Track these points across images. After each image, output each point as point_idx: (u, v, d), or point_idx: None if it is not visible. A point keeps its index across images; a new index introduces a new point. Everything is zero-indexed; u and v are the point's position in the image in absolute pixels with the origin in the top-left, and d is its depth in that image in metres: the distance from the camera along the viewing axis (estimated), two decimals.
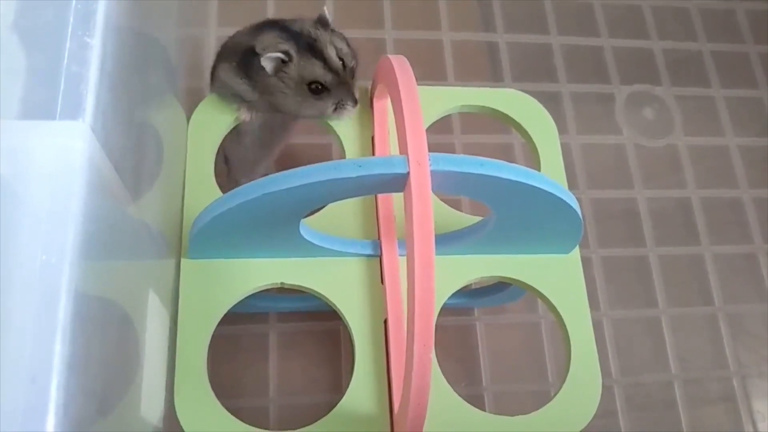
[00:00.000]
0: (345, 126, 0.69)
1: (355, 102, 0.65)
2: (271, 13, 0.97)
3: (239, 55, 0.65)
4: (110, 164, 0.41)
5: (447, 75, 0.97)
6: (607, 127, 0.99)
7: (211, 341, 0.73)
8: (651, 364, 0.88)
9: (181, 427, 0.55)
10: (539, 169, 0.70)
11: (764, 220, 0.97)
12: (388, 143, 0.68)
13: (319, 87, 0.63)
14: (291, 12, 0.95)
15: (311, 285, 0.61)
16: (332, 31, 0.66)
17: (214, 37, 0.93)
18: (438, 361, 0.61)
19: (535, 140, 0.71)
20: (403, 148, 0.50)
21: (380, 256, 0.63)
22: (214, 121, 0.67)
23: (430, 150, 0.50)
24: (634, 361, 0.87)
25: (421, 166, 0.49)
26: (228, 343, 0.78)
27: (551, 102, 0.96)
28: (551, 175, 0.69)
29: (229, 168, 0.77)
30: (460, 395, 0.61)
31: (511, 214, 0.58)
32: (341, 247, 0.62)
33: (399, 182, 0.50)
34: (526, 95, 0.73)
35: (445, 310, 0.82)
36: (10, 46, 0.38)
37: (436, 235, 0.63)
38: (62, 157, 0.36)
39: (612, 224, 0.93)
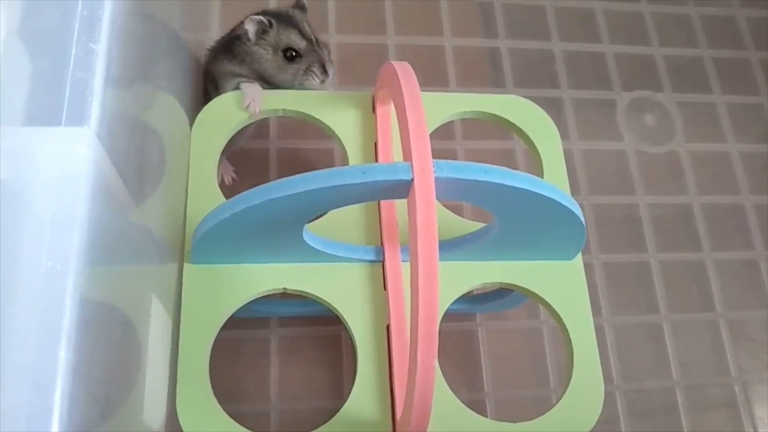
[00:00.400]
0: (348, 131, 0.69)
1: (324, 71, 0.71)
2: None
3: (226, 47, 0.74)
4: (115, 170, 0.41)
5: (449, 81, 0.97)
6: (608, 133, 0.99)
7: (215, 345, 0.73)
8: (652, 370, 0.88)
9: (182, 430, 0.55)
10: (542, 175, 0.70)
11: (765, 227, 0.97)
12: (391, 149, 0.68)
13: (293, 53, 0.71)
14: None
15: (314, 290, 0.61)
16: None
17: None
18: (440, 367, 0.61)
19: (537, 146, 0.71)
20: (407, 155, 0.50)
21: (383, 262, 0.63)
22: (217, 127, 0.67)
23: (432, 156, 0.50)
24: (636, 367, 0.87)
25: (426, 173, 0.49)
26: (230, 347, 0.78)
27: (553, 108, 0.97)
28: (554, 181, 0.69)
29: None
30: (462, 400, 0.61)
31: (514, 221, 0.58)
32: (344, 253, 0.62)
33: (403, 189, 0.50)
34: (528, 101, 0.73)
35: (447, 315, 0.82)
36: (16, 53, 0.38)
37: (439, 241, 0.63)
38: (67, 163, 0.36)
39: (613, 230, 0.93)
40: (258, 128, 0.89)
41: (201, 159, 0.65)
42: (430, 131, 0.70)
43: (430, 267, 0.47)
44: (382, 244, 0.64)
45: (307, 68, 0.71)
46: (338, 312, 0.61)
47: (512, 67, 1.00)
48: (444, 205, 0.68)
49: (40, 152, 0.36)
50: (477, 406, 0.80)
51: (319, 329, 0.81)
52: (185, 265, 0.61)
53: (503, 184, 0.51)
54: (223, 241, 0.56)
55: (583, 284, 0.66)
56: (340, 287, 0.62)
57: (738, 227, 0.97)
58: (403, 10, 1.01)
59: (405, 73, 0.56)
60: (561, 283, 0.66)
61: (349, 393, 0.59)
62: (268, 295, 0.63)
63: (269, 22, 0.71)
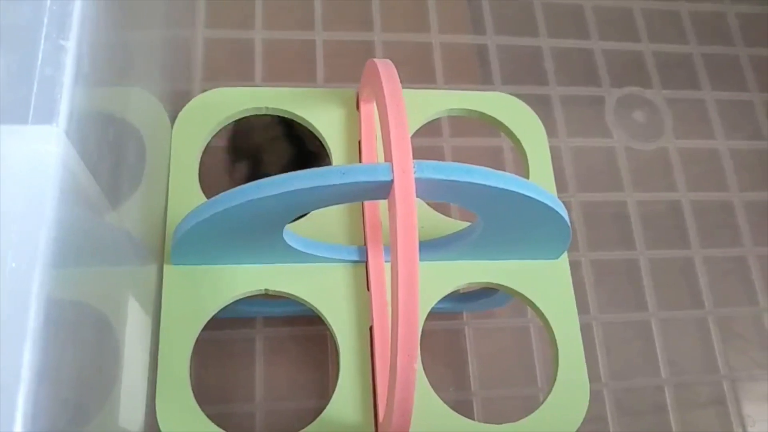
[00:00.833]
0: (331, 129, 0.68)
1: None
2: (259, 15, 0.96)
3: None
4: (86, 170, 0.40)
5: (436, 78, 0.96)
6: (597, 130, 0.98)
7: (196, 346, 0.72)
8: (641, 368, 0.87)
9: None
10: (528, 173, 0.69)
11: (755, 224, 0.97)
12: (375, 147, 0.67)
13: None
14: (279, 13, 0.95)
15: (296, 292, 0.61)
16: None
17: (201, 38, 0.93)
18: (426, 366, 0.60)
19: (523, 144, 0.70)
20: (387, 155, 0.50)
21: (366, 263, 0.63)
22: (199, 125, 0.66)
23: (417, 155, 0.49)
24: (624, 365, 0.86)
25: (406, 173, 0.48)
26: (214, 348, 0.77)
27: (541, 105, 0.96)
28: (540, 180, 0.69)
29: None
30: (448, 400, 0.60)
31: (498, 221, 0.58)
32: (326, 253, 0.61)
33: (383, 190, 0.49)
34: (515, 98, 0.73)
35: (433, 314, 0.81)
36: None
37: (422, 242, 0.63)
38: (34, 162, 0.35)
39: (602, 227, 0.93)
40: None
41: (182, 159, 0.64)
42: (415, 129, 0.70)
43: (410, 268, 0.46)
44: (365, 245, 0.63)
45: None
46: (320, 313, 0.60)
47: (500, 64, 0.99)
48: (430, 205, 0.67)
49: (5, 151, 0.35)
50: (464, 405, 0.80)
51: (305, 329, 0.80)
52: (165, 266, 0.60)
53: (486, 184, 0.51)
54: (203, 242, 0.56)
55: (569, 284, 0.65)
56: (323, 288, 0.61)
57: (727, 224, 0.97)
58: (390, 6, 1.00)
59: (387, 71, 0.55)
60: (546, 282, 0.65)
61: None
62: (253, 296, 0.63)
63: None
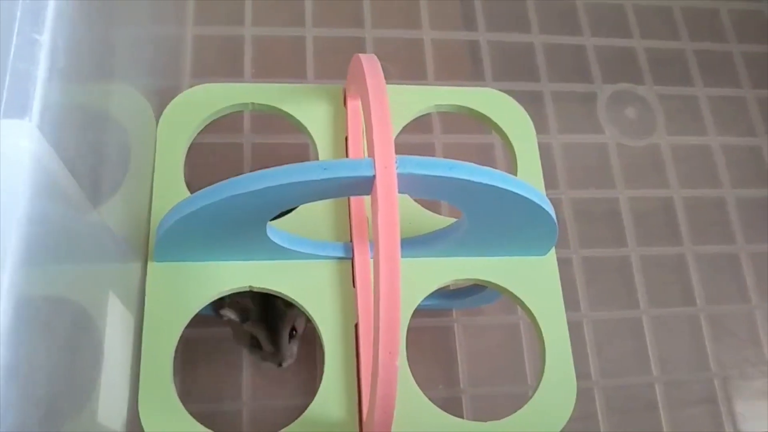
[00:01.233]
0: (318, 126, 0.68)
1: (280, 364, 0.70)
2: (248, 13, 0.95)
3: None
4: (63, 165, 0.39)
5: (427, 74, 0.96)
6: (589, 126, 0.98)
7: (183, 345, 0.72)
8: (632, 366, 0.87)
9: (144, 431, 0.54)
10: (516, 169, 0.69)
11: (747, 220, 0.96)
12: (361, 143, 0.67)
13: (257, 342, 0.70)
14: (269, 10, 0.95)
15: (281, 288, 0.60)
16: None
17: (190, 35, 0.92)
18: (415, 364, 0.60)
19: (512, 140, 0.70)
20: (371, 150, 0.49)
21: (352, 259, 0.62)
22: (185, 121, 0.66)
23: (408, 151, 0.49)
24: (615, 363, 0.86)
25: (388, 169, 0.48)
26: (201, 346, 0.77)
27: (533, 101, 0.96)
28: (528, 176, 0.68)
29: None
30: (437, 398, 0.60)
31: (483, 217, 0.57)
32: (311, 250, 0.61)
33: (366, 185, 0.49)
34: (504, 94, 0.72)
35: (423, 311, 0.81)
36: None
37: (408, 238, 0.62)
38: (6, 157, 0.35)
39: (593, 224, 0.92)
40: (232, 122, 0.88)
41: (167, 156, 0.64)
42: (404, 124, 0.69)
43: (392, 264, 0.46)
44: (351, 241, 0.63)
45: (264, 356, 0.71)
46: (306, 310, 0.60)
47: (492, 61, 0.99)
48: (419, 201, 0.67)
49: None
50: (452, 402, 0.80)
51: None
52: (149, 263, 0.59)
53: (469, 180, 0.50)
54: (186, 238, 0.55)
55: (556, 280, 0.65)
56: (308, 285, 0.61)
57: (719, 221, 0.96)
58: (381, 2, 1.00)
59: (371, 67, 0.55)
60: (533, 279, 0.65)
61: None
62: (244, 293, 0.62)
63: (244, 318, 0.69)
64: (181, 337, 0.60)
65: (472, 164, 0.51)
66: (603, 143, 0.97)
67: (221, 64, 0.93)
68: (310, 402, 0.58)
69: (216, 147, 0.86)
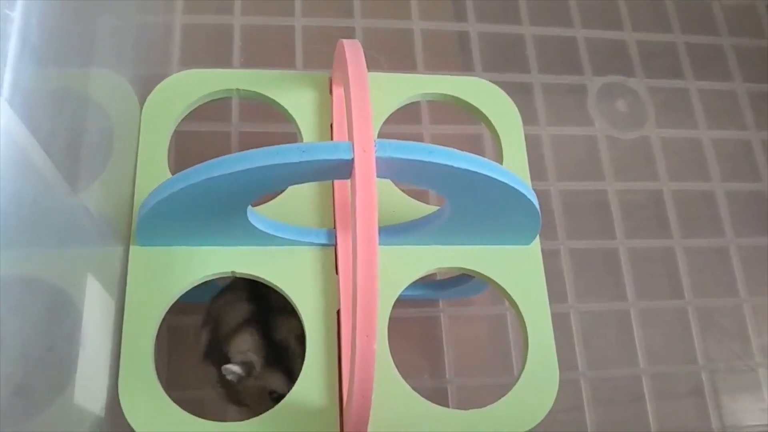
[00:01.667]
0: (304, 113, 0.67)
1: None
2: (237, 2, 0.95)
3: (217, 360, 0.64)
4: (36, 143, 0.39)
5: (417, 64, 0.96)
6: (578, 118, 0.98)
7: (168, 332, 0.72)
8: (619, 358, 0.87)
9: (124, 416, 0.54)
10: (501, 159, 0.69)
11: (736, 214, 0.96)
12: (345, 131, 0.66)
13: (279, 396, 0.59)
14: (259, 2, 0.95)
15: (263, 274, 0.60)
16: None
17: (179, 24, 0.92)
18: (401, 353, 0.60)
19: (498, 130, 0.70)
20: (350, 134, 0.49)
21: (335, 246, 0.62)
22: (169, 106, 0.66)
23: (392, 139, 0.49)
24: (602, 355, 0.86)
25: (366, 152, 0.48)
26: (188, 334, 0.76)
27: (522, 93, 0.96)
28: (513, 166, 0.68)
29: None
30: (423, 387, 0.60)
31: (465, 204, 0.57)
32: (294, 236, 0.61)
33: (345, 169, 0.49)
34: (491, 84, 0.72)
35: (410, 301, 0.81)
36: None
37: (391, 226, 0.62)
38: None
39: (581, 216, 0.92)
40: (220, 111, 0.87)
41: (151, 140, 0.64)
42: (390, 112, 0.69)
43: (369, 247, 0.46)
44: (335, 228, 0.63)
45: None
46: (288, 296, 0.60)
47: (481, 52, 0.99)
48: (405, 190, 0.66)
49: None
50: (438, 392, 0.80)
51: None
52: (131, 246, 0.59)
53: (449, 165, 0.50)
54: (168, 221, 0.55)
55: (540, 270, 0.65)
56: (291, 271, 0.61)
57: (709, 214, 0.96)
58: None
59: (353, 50, 0.55)
60: (517, 268, 0.64)
61: None
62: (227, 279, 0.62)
63: (250, 368, 0.62)
64: (165, 325, 0.60)
65: (453, 149, 0.51)
66: (593, 135, 0.97)
67: (210, 52, 0.92)
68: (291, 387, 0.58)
69: (204, 135, 0.86)
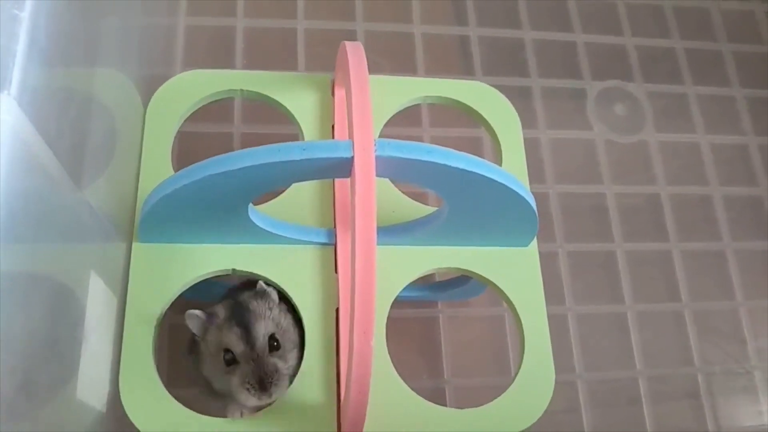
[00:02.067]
0: (305, 114, 0.68)
1: (261, 387, 0.55)
2: (240, 4, 0.96)
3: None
4: (42, 141, 0.40)
5: (417, 68, 0.97)
6: (577, 122, 0.99)
7: (170, 330, 0.72)
8: (616, 360, 0.87)
9: (125, 411, 0.55)
10: (500, 162, 0.70)
11: (733, 218, 0.97)
12: (347, 132, 0.67)
13: (232, 358, 0.56)
14: (261, 2, 0.95)
15: (263, 272, 0.61)
16: (278, 308, 0.60)
17: (182, 25, 0.93)
18: (400, 354, 0.60)
19: (497, 133, 0.71)
20: (350, 133, 0.50)
21: (335, 245, 0.63)
22: (173, 106, 0.66)
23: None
24: (599, 357, 0.87)
25: (366, 151, 0.48)
26: (187, 331, 0.77)
27: (522, 96, 0.96)
28: (512, 169, 0.69)
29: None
30: (421, 388, 0.60)
31: (463, 205, 0.58)
32: (294, 235, 0.62)
33: (344, 167, 0.49)
34: (491, 88, 0.73)
35: (408, 302, 0.82)
36: None
37: (389, 226, 0.63)
38: None
39: (580, 219, 0.93)
40: (222, 112, 0.88)
41: (155, 140, 0.65)
42: (391, 115, 0.70)
43: (367, 247, 0.47)
44: (335, 227, 0.64)
45: (240, 381, 0.56)
46: (288, 294, 0.61)
47: (482, 55, 0.99)
48: (406, 191, 0.67)
49: None
50: (436, 392, 0.80)
51: None
52: (133, 243, 0.60)
53: (447, 164, 0.51)
54: (169, 219, 0.56)
55: (537, 272, 0.66)
56: (290, 269, 0.61)
57: (706, 218, 0.97)
58: None
59: (354, 52, 0.55)
60: (515, 270, 0.65)
61: None
62: (226, 277, 0.63)
63: (214, 316, 0.58)
64: (166, 322, 0.60)
65: (451, 150, 0.52)
66: (591, 139, 0.98)
67: (213, 54, 0.93)
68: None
69: (206, 136, 0.87)
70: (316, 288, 0.61)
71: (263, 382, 0.55)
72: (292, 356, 0.59)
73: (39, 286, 0.42)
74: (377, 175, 0.48)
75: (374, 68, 0.92)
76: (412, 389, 0.60)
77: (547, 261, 0.86)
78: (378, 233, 0.47)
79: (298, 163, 0.49)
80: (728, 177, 0.99)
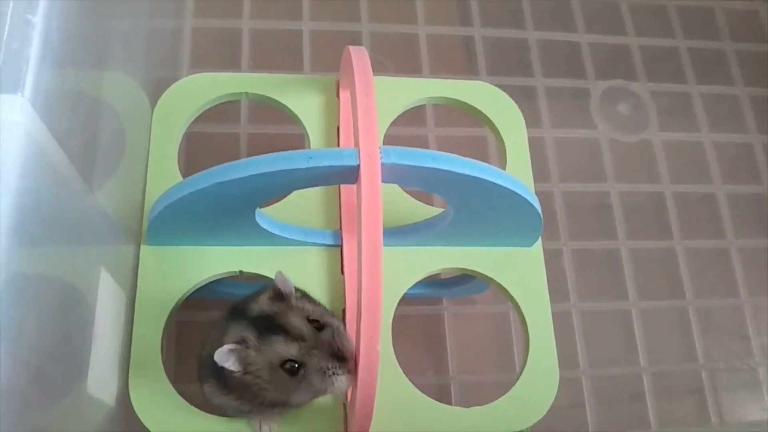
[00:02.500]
0: (311, 117, 0.69)
1: (343, 360, 0.50)
2: (246, 6, 0.97)
3: (214, 371, 0.54)
4: (56, 144, 0.41)
5: (422, 68, 0.97)
6: (581, 121, 0.99)
7: (177, 328, 0.73)
8: (620, 357, 0.88)
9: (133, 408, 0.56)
10: (505, 162, 0.70)
11: (736, 216, 0.97)
12: (352, 134, 0.68)
13: (293, 365, 0.50)
14: (267, 4, 0.96)
15: (270, 274, 0.61)
16: (296, 297, 0.55)
17: (189, 27, 0.94)
18: (405, 350, 0.61)
19: (502, 133, 0.71)
20: (356, 140, 0.51)
21: (341, 247, 0.64)
22: (180, 109, 0.67)
23: (401, 143, 0.50)
24: (603, 353, 0.87)
25: (372, 159, 0.49)
26: (195, 329, 0.78)
27: (526, 96, 0.97)
28: (517, 169, 0.69)
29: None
30: (426, 384, 0.61)
31: (468, 208, 0.58)
32: (300, 237, 0.62)
33: (351, 174, 0.50)
34: (495, 88, 0.73)
35: (414, 299, 0.83)
36: None
37: (396, 227, 0.64)
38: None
39: (584, 217, 0.94)
40: (229, 112, 0.89)
41: (162, 143, 0.66)
42: (395, 116, 0.71)
43: (374, 253, 0.47)
44: (340, 229, 0.64)
45: (325, 376, 0.50)
46: None
47: (486, 56, 1.00)
48: (411, 192, 0.68)
49: None
50: (441, 389, 0.81)
51: None
52: (142, 246, 0.61)
53: (452, 171, 0.51)
54: (177, 223, 0.57)
55: (542, 272, 0.66)
56: (297, 270, 0.62)
57: (709, 216, 0.98)
58: None
59: (359, 58, 0.56)
60: (519, 270, 0.66)
61: None
62: (235, 277, 0.64)
63: (244, 342, 0.51)
64: (175, 320, 0.61)
65: (456, 156, 0.52)
66: (595, 138, 0.99)
67: (219, 56, 0.94)
68: None
69: (213, 137, 0.87)
70: (322, 289, 0.62)
71: (337, 356, 0.50)
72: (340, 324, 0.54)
73: (50, 284, 0.43)
74: (383, 182, 0.49)
75: (379, 69, 0.94)
76: (418, 386, 0.60)
77: (552, 258, 0.87)
78: (385, 234, 0.48)
79: (304, 171, 0.49)
80: (732, 175, 1.00)
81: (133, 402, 0.56)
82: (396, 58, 0.97)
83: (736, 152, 1.02)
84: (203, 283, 0.61)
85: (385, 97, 0.69)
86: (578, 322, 0.88)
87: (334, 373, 0.50)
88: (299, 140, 0.87)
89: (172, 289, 0.60)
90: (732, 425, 0.87)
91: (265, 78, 0.70)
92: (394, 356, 0.61)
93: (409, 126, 0.90)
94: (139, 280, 0.60)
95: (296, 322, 0.52)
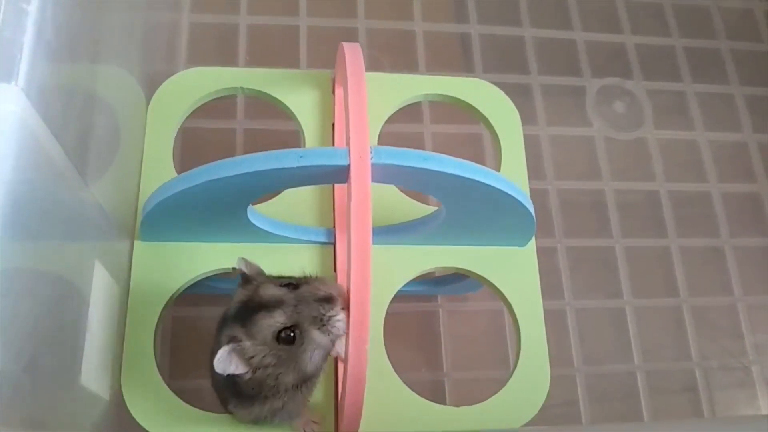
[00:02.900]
0: (306, 112, 0.69)
1: (331, 300, 0.49)
2: (244, 2, 0.97)
3: (229, 389, 0.55)
4: (49, 133, 0.41)
5: (418, 65, 0.97)
6: (577, 119, 0.99)
7: (171, 323, 0.73)
8: (614, 354, 0.88)
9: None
10: (500, 159, 0.70)
11: (731, 215, 0.98)
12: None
13: (288, 332, 0.49)
14: (264, 2, 0.96)
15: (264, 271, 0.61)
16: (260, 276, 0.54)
17: (186, 22, 0.94)
18: (399, 347, 0.61)
19: (497, 130, 0.71)
20: (348, 140, 0.51)
21: (334, 244, 0.64)
22: (175, 104, 0.67)
23: (397, 140, 0.51)
24: (597, 351, 0.88)
25: (362, 159, 0.49)
26: (189, 324, 0.78)
27: (522, 94, 0.97)
28: (512, 167, 0.70)
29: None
30: (420, 380, 0.61)
31: (461, 208, 0.58)
32: (293, 234, 0.62)
33: (341, 174, 0.50)
34: (491, 85, 0.73)
35: (408, 296, 0.83)
36: None
37: (388, 225, 0.64)
38: None
39: (579, 215, 0.94)
40: (225, 107, 0.89)
41: (156, 138, 0.66)
42: (391, 113, 0.71)
43: (363, 253, 0.47)
44: (334, 227, 0.64)
45: (315, 326, 0.49)
46: None
47: (482, 53, 1.00)
48: (405, 192, 0.68)
49: None
50: (435, 386, 0.81)
51: None
52: (135, 241, 0.61)
53: (442, 171, 0.51)
54: (170, 219, 0.57)
55: (534, 270, 0.66)
56: (290, 268, 0.61)
57: (704, 215, 0.98)
58: None
59: (352, 55, 0.56)
60: (512, 269, 0.66)
61: None
62: (227, 273, 0.64)
63: (235, 338, 0.50)
64: (169, 316, 0.61)
65: (448, 156, 0.52)
66: (591, 136, 0.99)
67: (216, 51, 0.94)
68: None
69: (209, 132, 0.88)
70: None
71: (324, 299, 0.49)
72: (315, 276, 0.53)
73: (44, 275, 0.43)
74: (374, 181, 0.49)
75: (375, 65, 0.94)
76: (412, 382, 0.61)
77: (546, 256, 0.87)
78: (377, 233, 0.48)
79: (295, 170, 0.49)
80: (727, 174, 1.00)
81: (126, 400, 0.56)
82: (392, 55, 0.97)
83: (731, 151, 1.02)
84: (196, 280, 0.61)
85: (381, 93, 0.69)
86: (573, 320, 0.88)
87: (328, 318, 0.49)
88: (295, 136, 0.87)
89: (166, 285, 0.60)
90: (719, 419, 0.87)
91: (260, 73, 0.70)
92: (386, 355, 0.61)
93: (405, 123, 0.90)
94: (132, 276, 0.60)
95: (269, 291, 0.51)
